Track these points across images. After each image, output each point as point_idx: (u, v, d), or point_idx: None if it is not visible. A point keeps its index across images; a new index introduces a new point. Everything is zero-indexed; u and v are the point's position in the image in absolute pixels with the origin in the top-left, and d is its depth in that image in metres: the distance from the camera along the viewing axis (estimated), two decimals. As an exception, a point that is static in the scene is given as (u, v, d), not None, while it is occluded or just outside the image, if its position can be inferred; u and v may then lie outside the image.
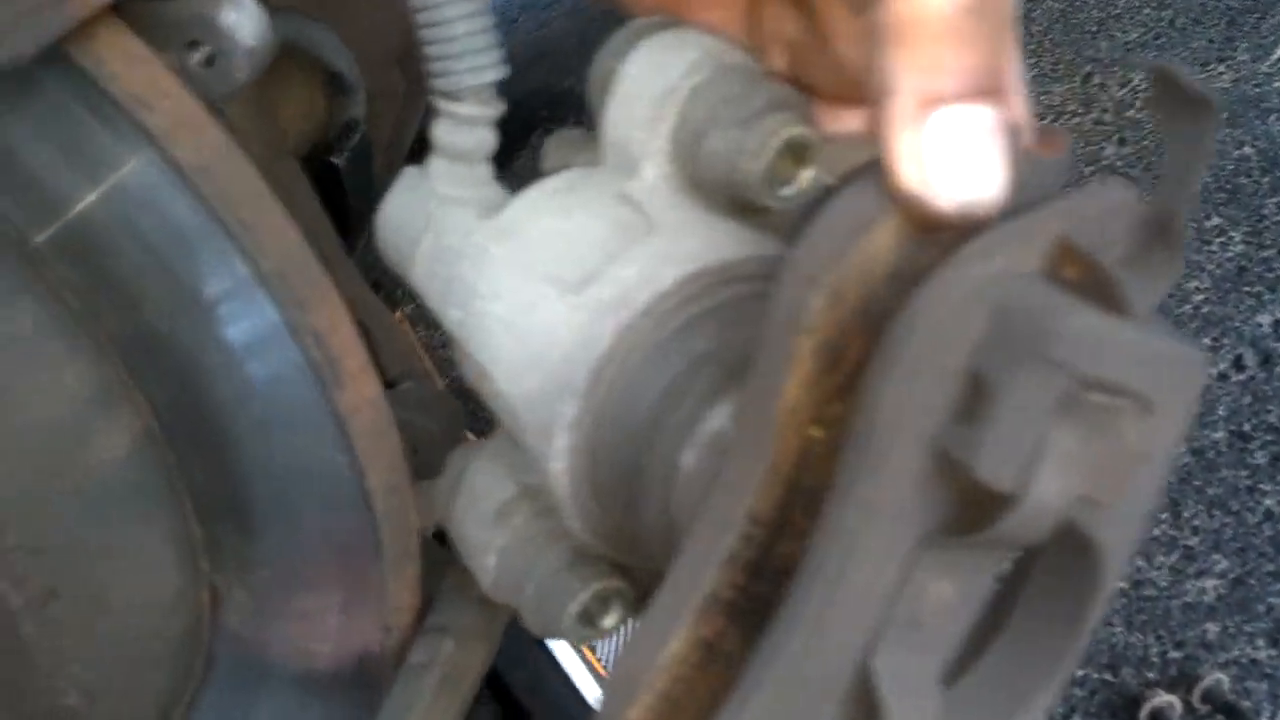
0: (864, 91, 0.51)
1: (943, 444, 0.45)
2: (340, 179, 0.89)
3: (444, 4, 0.63)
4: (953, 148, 0.46)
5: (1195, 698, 1.38)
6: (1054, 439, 0.44)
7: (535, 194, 0.64)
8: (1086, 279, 0.48)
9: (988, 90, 0.47)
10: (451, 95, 0.65)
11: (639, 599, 0.65)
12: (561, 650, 1.25)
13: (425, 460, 0.74)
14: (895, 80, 0.46)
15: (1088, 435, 0.45)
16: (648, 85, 0.61)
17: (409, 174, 0.69)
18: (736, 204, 0.61)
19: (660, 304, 0.57)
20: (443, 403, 0.76)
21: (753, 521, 0.51)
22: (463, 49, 0.64)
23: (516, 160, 0.88)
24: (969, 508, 0.47)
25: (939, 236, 0.48)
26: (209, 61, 0.63)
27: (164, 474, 0.65)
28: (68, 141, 0.58)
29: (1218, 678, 1.38)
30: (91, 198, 0.59)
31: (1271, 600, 1.45)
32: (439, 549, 0.74)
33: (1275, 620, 1.44)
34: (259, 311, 0.60)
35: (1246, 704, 1.36)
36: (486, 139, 0.67)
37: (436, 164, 0.67)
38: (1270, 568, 1.49)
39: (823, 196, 0.50)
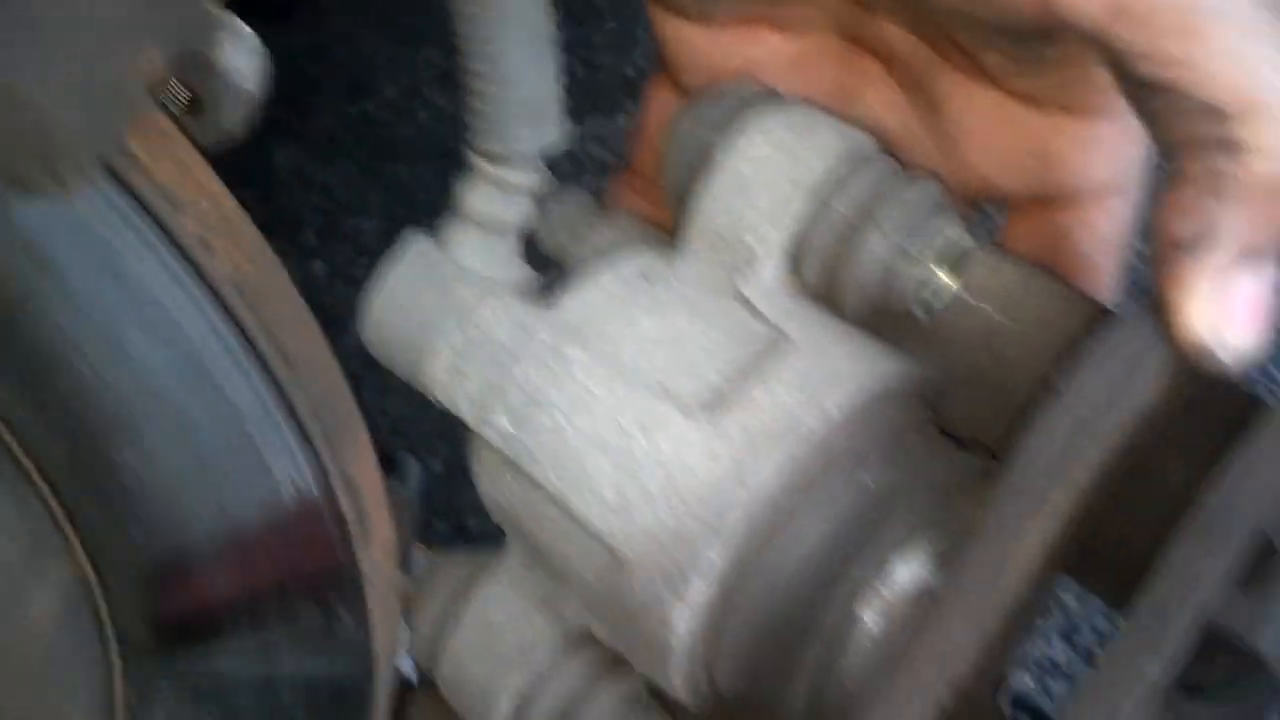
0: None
1: (1220, 614, 0.44)
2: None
3: (511, 53, 0.50)
4: (1252, 302, 0.45)
5: (1001, 700, 1.39)
6: None
7: (606, 283, 0.53)
8: None
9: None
10: (497, 158, 0.53)
11: None
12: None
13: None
14: (1220, 225, 0.43)
15: None
16: (773, 171, 0.52)
17: (419, 246, 0.55)
18: (865, 313, 0.53)
19: (830, 434, 0.49)
20: (400, 504, 0.63)
21: (951, 689, 0.46)
22: (524, 110, 0.51)
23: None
24: (1200, 664, 0.45)
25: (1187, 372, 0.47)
26: (193, 106, 0.47)
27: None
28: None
29: (1020, 679, 1.40)
30: None
31: (1064, 596, 1.49)
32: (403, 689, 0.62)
33: (1069, 619, 1.47)
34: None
35: (1048, 705, 1.39)
36: (526, 211, 0.55)
37: (465, 237, 0.55)
38: (1058, 562, 1.52)
39: (1090, 336, 0.48)
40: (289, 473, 0.46)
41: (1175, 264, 0.44)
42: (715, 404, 0.49)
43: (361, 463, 0.48)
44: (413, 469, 0.83)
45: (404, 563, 0.63)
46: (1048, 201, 0.55)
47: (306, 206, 1.63)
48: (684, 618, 0.49)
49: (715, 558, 0.48)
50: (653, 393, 0.50)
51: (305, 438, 0.46)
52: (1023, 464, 0.45)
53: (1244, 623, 0.43)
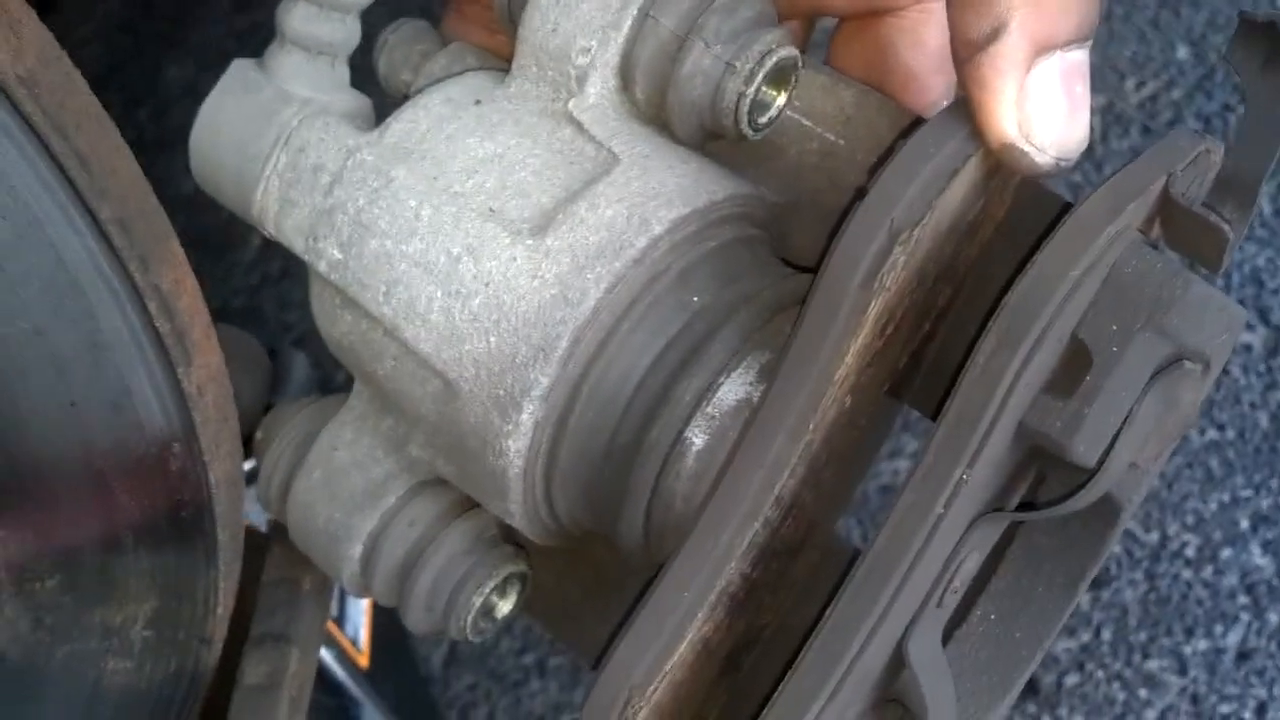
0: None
1: (1035, 419, 0.43)
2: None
3: None
4: (1058, 95, 0.44)
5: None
6: (1139, 412, 0.43)
7: (434, 104, 0.53)
8: (1183, 237, 0.46)
9: (1091, 33, 0.45)
10: None
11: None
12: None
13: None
14: (1010, 20, 0.43)
15: (1159, 406, 0.44)
16: None
17: (241, 68, 0.54)
18: (695, 131, 0.52)
19: (652, 251, 0.48)
20: (254, 355, 0.62)
21: (776, 505, 0.47)
22: None
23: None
24: (1017, 476, 0.46)
25: (997, 184, 0.46)
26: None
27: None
28: None
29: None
30: None
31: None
32: (254, 538, 0.62)
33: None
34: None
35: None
36: (354, 31, 0.54)
37: (287, 59, 0.53)
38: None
39: (896, 142, 0.47)
40: (97, 290, 0.45)
41: (974, 65, 0.43)
42: (542, 225, 0.49)
43: (175, 277, 0.47)
44: (299, 362, 0.82)
45: (257, 414, 0.62)
46: (873, 12, 0.55)
47: (200, 119, 1.60)
48: (516, 442, 0.49)
49: (543, 379, 0.48)
50: (480, 215, 0.49)
51: (111, 250, 0.44)
52: (830, 272, 0.45)
53: (1057, 426, 0.43)
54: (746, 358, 0.48)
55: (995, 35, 0.43)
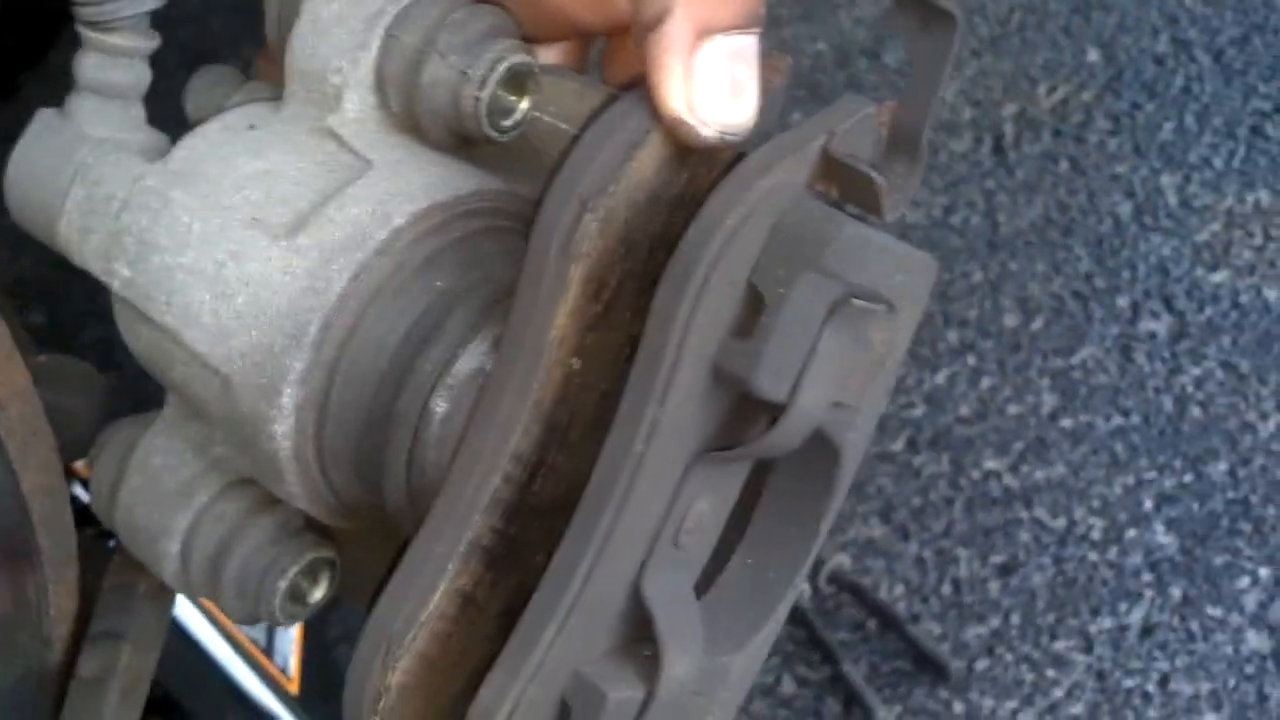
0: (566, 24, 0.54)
1: (722, 360, 0.47)
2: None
3: None
4: (721, 76, 0.48)
5: (821, 580, 1.45)
6: (821, 348, 0.46)
7: (212, 131, 0.57)
8: (847, 189, 0.50)
9: (755, 22, 0.49)
10: (102, 25, 0.56)
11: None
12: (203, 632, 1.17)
13: (69, 443, 0.65)
14: (674, 6, 0.47)
15: (846, 342, 0.47)
16: (347, 9, 0.56)
17: (45, 116, 0.59)
18: (449, 137, 0.57)
19: (396, 241, 0.53)
20: (85, 376, 0.67)
21: (515, 461, 0.50)
22: None
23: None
24: (736, 421, 0.49)
25: (694, 159, 0.50)
26: None
27: None
28: None
29: (840, 560, 1.46)
30: None
31: (881, 481, 1.55)
32: (93, 541, 0.66)
33: (885, 500, 1.53)
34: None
35: (867, 581, 1.45)
36: (143, 75, 0.59)
37: (83, 104, 0.58)
38: (876, 450, 1.58)
39: (587, 121, 0.50)
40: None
41: (647, 46, 0.47)
42: (297, 226, 0.53)
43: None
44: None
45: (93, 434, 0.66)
46: (624, 30, 0.59)
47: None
48: (281, 425, 0.53)
49: (298, 364, 0.52)
50: (244, 224, 0.54)
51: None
52: (531, 244, 0.49)
53: (741, 364, 0.46)
54: (483, 330, 0.52)
55: (661, 19, 0.47)
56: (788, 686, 1.37)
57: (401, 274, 0.53)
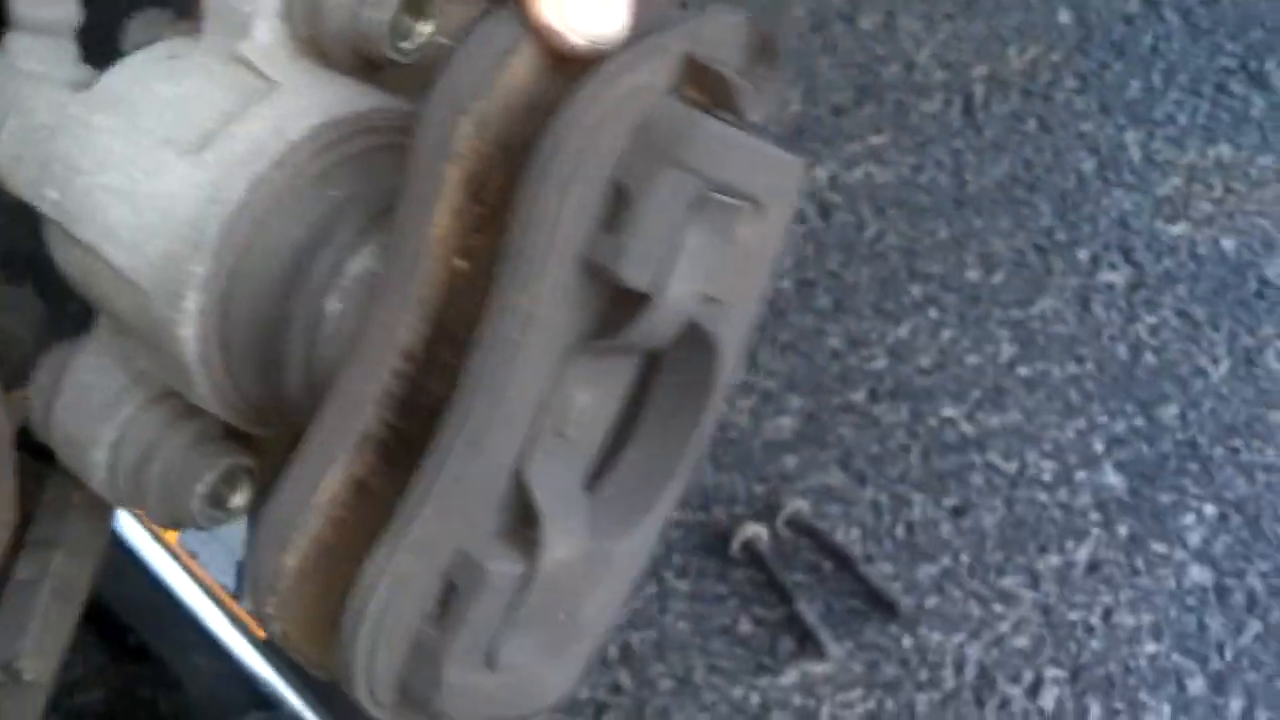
0: None
1: (589, 252, 0.49)
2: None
3: None
4: None
5: (780, 525, 1.50)
6: (686, 241, 0.49)
7: (136, 61, 0.62)
8: (710, 93, 0.52)
9: None
10: None
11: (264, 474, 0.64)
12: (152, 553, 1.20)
13: (12, 367, 0.70)
14: None
15: (712, 237, 0.50)
16: None
17: None
18: (355, 61, 0.61)
19: (293, 154, 0.57)
20: (27, 303, 0.72)
21: (404, 358, 0.53)
22: None
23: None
24: (611, 314, 0.51)
25: (570, 69, 0.52)
26: None
27: None
28: None
29: (798, 505, 1.51)
30: None
31: (841, 430, 1.59)
32: (32, 461, 0.71)
33: (845, 448, 1.58)
34: None
35: (824, 525, 1.49)
36: (72, 11, 0.63)
37: (16, 40, 0.63)
38: (838, 401, 1.62)
39: (464, 30, 0.52)
40: None
41: None
42: (203, 144, 0.58)
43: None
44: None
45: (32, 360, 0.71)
46: None
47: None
48: (185, 330, 0.57)
49: (200, 270, 0.56)
50: (158, 143, 0.58)
51: None
52: (414, 146, 0.52)
53: (607, 255, 0.49)
54: (375, 235, 0.56)
55: None
56: (745, 626, 1.42)
57: (298, 184, 0.57)
